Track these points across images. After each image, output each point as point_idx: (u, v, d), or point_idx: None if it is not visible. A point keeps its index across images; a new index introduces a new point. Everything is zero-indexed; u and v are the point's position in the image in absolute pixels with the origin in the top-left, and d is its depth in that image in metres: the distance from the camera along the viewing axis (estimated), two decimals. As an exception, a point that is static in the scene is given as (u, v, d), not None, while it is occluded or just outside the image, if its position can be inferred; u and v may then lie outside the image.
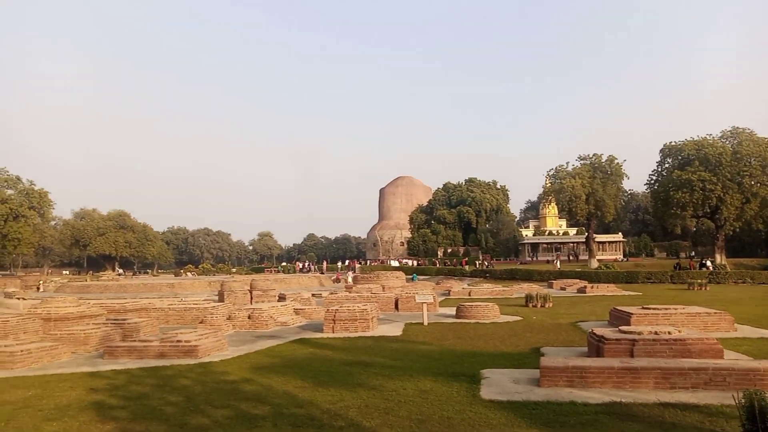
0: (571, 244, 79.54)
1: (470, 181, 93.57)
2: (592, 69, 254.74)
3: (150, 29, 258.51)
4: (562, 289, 34.95)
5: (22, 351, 11.11)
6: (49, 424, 6.73)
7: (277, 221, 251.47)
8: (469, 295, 30.20)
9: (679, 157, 53.02)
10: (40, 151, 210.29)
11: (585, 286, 32.52)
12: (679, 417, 6.46)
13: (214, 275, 61.52)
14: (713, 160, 49.39)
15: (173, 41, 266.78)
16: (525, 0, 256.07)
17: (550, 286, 37.10)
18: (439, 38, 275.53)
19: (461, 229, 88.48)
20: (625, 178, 57.27)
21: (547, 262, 67.77)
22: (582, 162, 57.41)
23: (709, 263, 45.96)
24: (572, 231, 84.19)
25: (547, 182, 62.32)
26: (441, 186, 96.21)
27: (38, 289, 48.09)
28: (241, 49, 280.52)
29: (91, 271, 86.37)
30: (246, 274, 61.86)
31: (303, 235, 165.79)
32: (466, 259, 70.52)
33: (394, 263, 73.39)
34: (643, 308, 14.99)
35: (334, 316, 15.66)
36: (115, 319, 15.82)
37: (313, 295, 29.77)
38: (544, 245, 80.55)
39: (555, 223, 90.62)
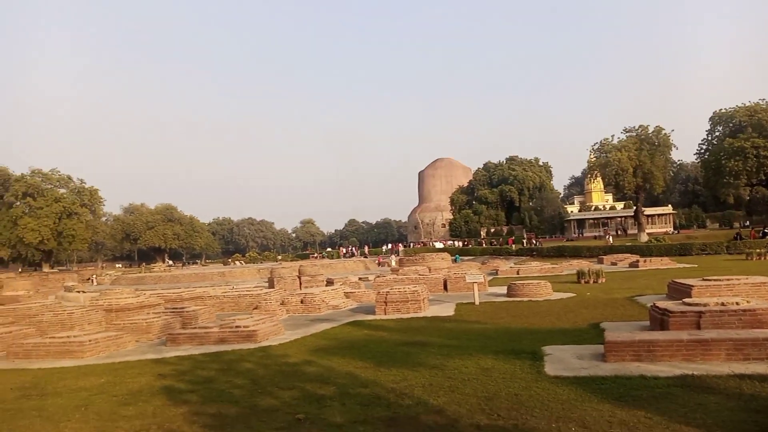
0: (619, 219, 77.54)
1: (511, 160, 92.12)
2: (632, 37, 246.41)
3: (190, 26, 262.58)
4: (613, 264, 34.23)
5: (90, 341, 11.54)
6: (125, 409, 6.96)
7: (318, 208, 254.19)
8: (518, 274, 29.90)
9: (731, 124, 51.05)
10: (88, 149, 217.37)
11: (637, 261, 31.73)
12: (758, 388, 6.22)
13: (261, 263, 62.63)
14: (767, 125, 47.29)
15: (215, 36, 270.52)
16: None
17: (600, 261, 36.35)
18: (476, 16, 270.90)
19: (504, 208, 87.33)
20: (673, 148, 55.33)
21: (595, 237, 66.31)
22: (628, 134, 55.60)
23: None
24: (619, 205, 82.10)
25: (592, 156, 60.76)
26: (481, 166, 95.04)
27: (91, 282, 49.93)
28: (276, 40, 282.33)
29: (144, 264, 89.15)
30: (292, 260, 62.74)
31: (344, 220, 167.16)
32: (513, 238, 69.60)
33: (439, 245, 73.07)
34: (704, 280, 14.53)
35: (386, 298, 15.72)
36: (173, 308, 16.28)
37: (359, 278, 29.98)
38: (591, 221, 78.78)
39: (601, 197, 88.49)
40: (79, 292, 29.80)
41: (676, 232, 66.74)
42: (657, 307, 10.05)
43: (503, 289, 20.04)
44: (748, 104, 50.50)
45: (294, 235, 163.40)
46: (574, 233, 76.68)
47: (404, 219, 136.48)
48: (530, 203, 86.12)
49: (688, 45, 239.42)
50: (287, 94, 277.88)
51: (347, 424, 5.80)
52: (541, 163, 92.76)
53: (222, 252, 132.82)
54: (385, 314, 15.47)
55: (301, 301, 17.76)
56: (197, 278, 40.81)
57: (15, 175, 69.75)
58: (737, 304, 9.25)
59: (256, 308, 17.37)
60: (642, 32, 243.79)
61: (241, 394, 7.37)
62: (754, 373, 6.78)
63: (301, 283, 27.07)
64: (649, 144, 54.19)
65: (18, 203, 66.98)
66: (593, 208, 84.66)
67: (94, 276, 54.58)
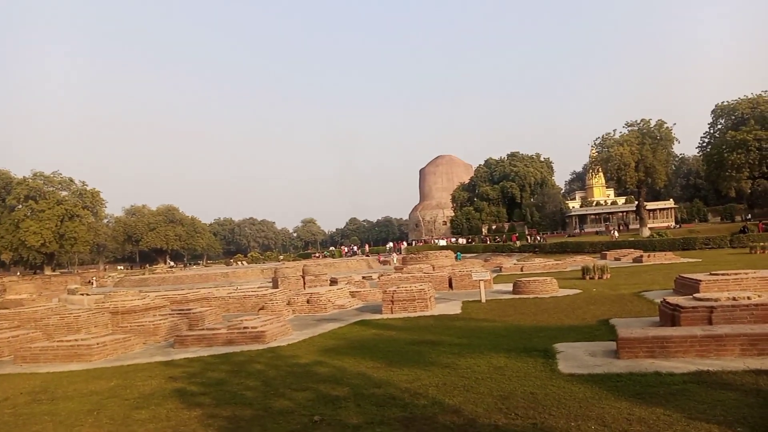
0: (621, 214, 77.49)
1: (512, 156, 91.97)
2: (632, 31, 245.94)
3: (186, 29, 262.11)
4: (617, 259, 34.19)
5: (98, 344, 11.52)
6: (138, 412, 6.93)
7: (319, 207, 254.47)
8: (522, 271, 29.86)
9: (733, 117, 51.01)
10: (89, 151, 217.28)
11: (641, 256, 31.67)
12: (775, 384, 6.19)
13: (264, 263, 62.64)
14: (770, 117, 47.31)
15: (215, 37, 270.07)
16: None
17: (604, 257, 36.33)
18: (477, 13, 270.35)
19: (505, 204, 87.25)
20: (675, 142, 55.29)
21: (596, 233, 66.28)
22: (629, 128, 55.57)
23: None
24: (621, 200, 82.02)
25: (593, 151, 60.73)
26: (482, 162, 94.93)
27: (92, 284, 49.80)
28: (275, 39, 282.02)
29: (148, 265, 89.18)
30: (294, 260, 62.75)
31: (345, 219, 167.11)
32: (516, 234, 69.54)
33: (442, 242, 73.01)
34: (712, 274, 14.49)
35: (393, 296, 15.68)
36: (180, 310, 16.26)
37: (363, 277, 29.95)
38: (592, 216, 78.71)
39: (602, 192, 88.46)
40: (82, 294, 29.79)
41: (677, 226, 66.69)
42: (668, 302, 10.01)
43: (508, 287, 19.99)
44: (750, 96, 50.47)
45: (295, 234, 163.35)
46: (576, 229, 76.65)
47: (405, 217, 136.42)
48: (532, 199, 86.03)
49: (689, 38, 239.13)
50: (287, 94, 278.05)
51: (364, 425, 5.77)
52: (542, 159, 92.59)
53: (223, 252, 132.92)
54: (392, 313, 15.43)
55: (307, 301, 17.73)
56: (201, 279, 40.81)
57: (17, 178, 69.81)
58: (748, 298, 9.21)
59: (262, 309, 17.34)
60: (643, 26, 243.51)
61: (254, 395, 7.34)
62: (770, 368, 6.74)
63: (305, 283, 27.06)
64: (651, 138, 54.14)
65: (20, 206, 67.02)
66: (595, 203, 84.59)
67: (94, 278, 54.50)
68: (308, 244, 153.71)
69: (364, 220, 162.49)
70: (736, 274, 14.06)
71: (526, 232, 71.03)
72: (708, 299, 9.47)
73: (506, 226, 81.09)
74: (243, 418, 6.37)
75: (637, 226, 58.63)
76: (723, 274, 14.14)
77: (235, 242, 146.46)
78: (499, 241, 65.92)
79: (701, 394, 6.00)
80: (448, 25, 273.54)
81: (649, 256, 31.19)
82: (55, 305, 22.05)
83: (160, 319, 14.28)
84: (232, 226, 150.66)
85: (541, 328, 11.57)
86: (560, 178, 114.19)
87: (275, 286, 26.47)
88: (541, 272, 27.80)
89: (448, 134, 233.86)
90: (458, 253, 52.05)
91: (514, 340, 10.16)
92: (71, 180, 71.80)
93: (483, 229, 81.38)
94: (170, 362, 10.48)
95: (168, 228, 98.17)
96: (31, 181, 68.23)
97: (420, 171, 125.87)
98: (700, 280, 13.77)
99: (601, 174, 64.11)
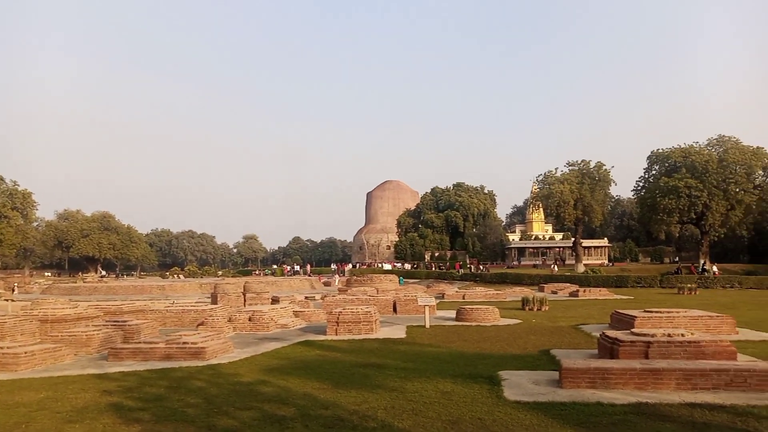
0: (557, 249, 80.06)
1: (458, 186, 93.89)
2: (579, 76, 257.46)
3: (135, 29, 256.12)
4: (554, 292, 35.13)
5: (26, 353, 10.87)
6: (72, 427, 6.57)
7: (262, 224, 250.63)
8: (463, 299, 30.23)
9: (666, 164, 53.78)
10: (25, 152, 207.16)
11: (577, 290, 32.70)
12: (708, 417, 6.50)
13: (201, 277, 60.95)
14: (700, 167, 50.13)
15: (159, 42, 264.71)
16: (513, 9, 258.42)
17: (541, 289, 37.25)
18: (428, 44, 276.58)
19: (449, 233, 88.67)
20: (612, 184, 57.81)
21: (534, 266, 68.08)
22: (570, 168, 57.80)
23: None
24: (558, 236, 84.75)
25: (535, 187, 62.80)
26: (429, 190, 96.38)
27: (13, 290, 46.71)
28: (227, 51, 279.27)
29: (81, 273, 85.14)
30: (233, 276, 61.35)
31: (288, 237, 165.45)
32: (460, 263, 70.58)
33: (387, 266, 73.19)
34: (646, 311, 15.09)
35: (338, 318, 15.55)
36: (114, 321, 15.56)
37: (306, 297, 29.60)
38: (531, 249, 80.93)
39: (541, 227, 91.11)
40: (6, 300, 28.12)
41: (610, 264, 69.37)
42: (607, 336, 10.36)
43: (451, 313, 20.20)
44: (683, 146, 53.44)
45: (236, 250, 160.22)
46: (515, 261, 78.51)
47: (349, 239, 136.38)
48: (474, 229, 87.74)
49: (629, 84, 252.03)
50: (236, 106, 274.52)
51: (313, 446, 5.67)
52: (486, 191, 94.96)
53: (159, 264, 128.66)
54: (337, 335, 15.29)
55: (249, 319, 17.34)
56: (135, 291, 39.26)
57: (-60, 173, 65.66)
58: (682, 335, 9.65)
59: (201, 324, 16.82)
60: (585, 66, 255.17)
61: (196, 413, 7.09)
62: (703, 402, 7.09)
63: (245, 300, 26.44)
64: (590, 178, 56.43)
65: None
66: (533, 237, 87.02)
67: (16, 284, 51.26)
68: (249, 260, 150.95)
69: (307, 240, 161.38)
70: (668, 312, 14.71)
71: (468, 262, 72.18)
72: (645, 334, 9.86)
73: (449, 254, 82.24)
74: (186, 435, 6.15)
75: (573, 261, 60.63)
76: (656, 312, 14.76)
77: (171, 254, 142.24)
78: (442, 269, 66.68)
79: (641, 424, 6.23)
80: (400, 53, 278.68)
81: (584, 291, 32.23)
82: (-25, 310, 20.70)
83: (93, 330, 13.62)
84: (170, 237, 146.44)
85: (484, 355, 11.72)
86: (502, 211, 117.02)
87: (214, 302, 25.76)
88: (483, 301, 28.24)
89: (397, 160, 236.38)
90: (401, 278, 52.37)
91: (460, 366, 10.25)
92: (1, 179, 68.13)
93: (426, 256, 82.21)
94: (104, 375, 10.01)
95: (102, 236, 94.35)
96: (-44, 177, 64.43)
97: (367, 194, 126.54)
98: (636, 316, 14.33)
99: (541, 209, 66.23)
